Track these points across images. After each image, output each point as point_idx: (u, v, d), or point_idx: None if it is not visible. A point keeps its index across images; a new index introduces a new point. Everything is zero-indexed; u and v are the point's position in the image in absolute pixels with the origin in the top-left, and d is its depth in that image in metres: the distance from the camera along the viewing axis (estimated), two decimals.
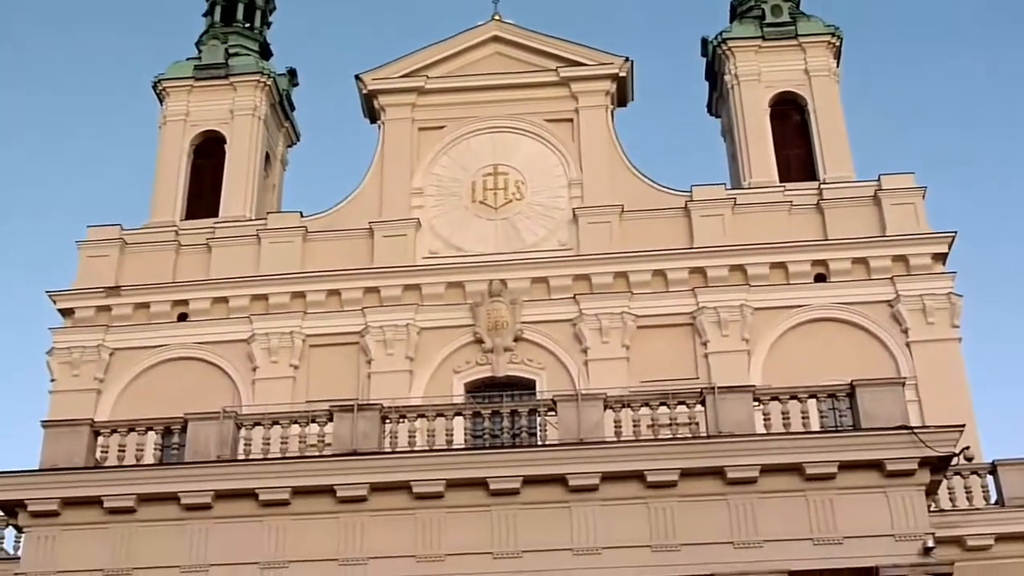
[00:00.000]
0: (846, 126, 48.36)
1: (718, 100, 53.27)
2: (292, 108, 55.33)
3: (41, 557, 33.43)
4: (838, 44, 50.06)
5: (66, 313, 46.33)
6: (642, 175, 47.35)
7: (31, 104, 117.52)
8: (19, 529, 34.87)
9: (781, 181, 47.06)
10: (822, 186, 46.38)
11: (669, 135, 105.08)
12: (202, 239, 47.57)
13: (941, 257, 44.41)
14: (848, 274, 44.34)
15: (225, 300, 45.85)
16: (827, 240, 44.96)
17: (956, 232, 44.25)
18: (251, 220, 48.21)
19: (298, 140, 56.72)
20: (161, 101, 51.76)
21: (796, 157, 48.29)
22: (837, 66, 49.96)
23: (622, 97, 50.01)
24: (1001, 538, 36.05)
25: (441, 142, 48.63)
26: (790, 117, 49.29)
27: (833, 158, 47.40)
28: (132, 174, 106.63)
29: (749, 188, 46.91)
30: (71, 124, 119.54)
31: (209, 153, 50.79)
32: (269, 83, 52.05)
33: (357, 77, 49.78)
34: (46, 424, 35.29)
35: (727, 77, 50.14)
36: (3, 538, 39.03)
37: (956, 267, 44.40)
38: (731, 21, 52.79)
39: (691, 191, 46.35)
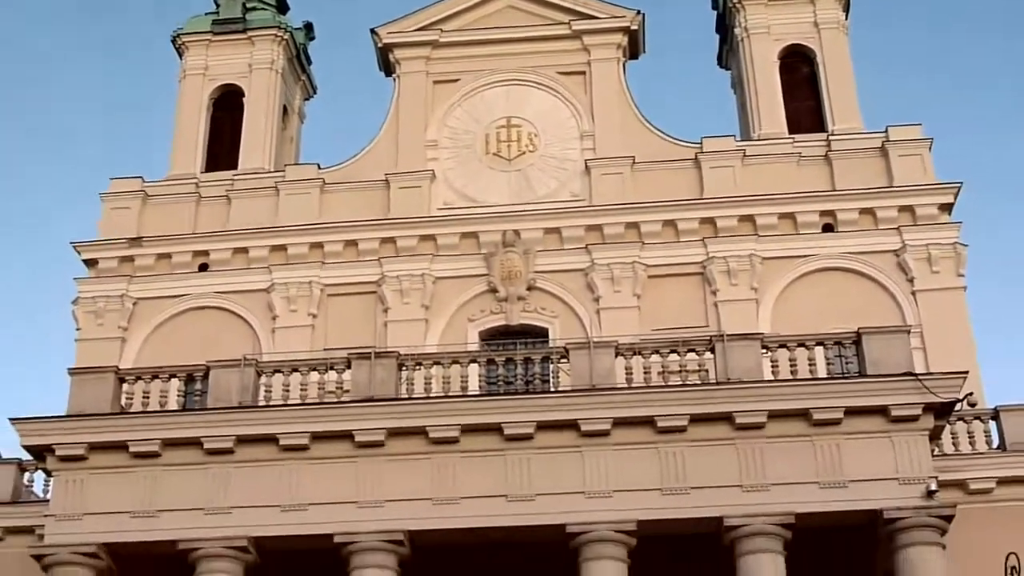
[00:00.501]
0: (854, 78, 48.56)
1: (728, 53, 53.46)
2: (309, 62, 55.65)
3: (69, 500, 34.01)
4: None
5: (90, 264, 46.92)
6: (653, 127, 47.66)
7: (53, 57, 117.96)
8: (48, 473, 35.54)
9: (790, 133, 47.25)
10: (830, 137, 46.59)
11: (680, 87, 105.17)
12: (222, 191, 48.06)
13: (947, 207, 44.64)
14: (855, 224, 44.63)
15: (245, 250, 46.34)
16: (835, 191, 45.26)
17: (962, 183, 44.59)
18: (269, 172, 48.65)
19: (315, 93, 57.01)
20: (180, 55, 52.20)
21: (805, 109, 48.44)
22: (846, 18, 49.97)
23: (634, 50, 50.17)
24: (1002, 481, 36.45)
25: (455, 95, 48.96)
26: (799, 69, 49.42)
27: (841, 110, 47.56)
28: (153, 128, 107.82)
29: (758, 140, 47.19)
30: (93, 77, 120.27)
31: (228, 106, 51.22)
32: (286, 37, 52.39)
33: (372, 31, 50.09)
34: (73, 372, 35.78)
35: (737, 30, 50.31)
36: (33, 481, 39.74)
37: (962, 217, 44.78)
38: None
39: (701, 143, 46.66)
